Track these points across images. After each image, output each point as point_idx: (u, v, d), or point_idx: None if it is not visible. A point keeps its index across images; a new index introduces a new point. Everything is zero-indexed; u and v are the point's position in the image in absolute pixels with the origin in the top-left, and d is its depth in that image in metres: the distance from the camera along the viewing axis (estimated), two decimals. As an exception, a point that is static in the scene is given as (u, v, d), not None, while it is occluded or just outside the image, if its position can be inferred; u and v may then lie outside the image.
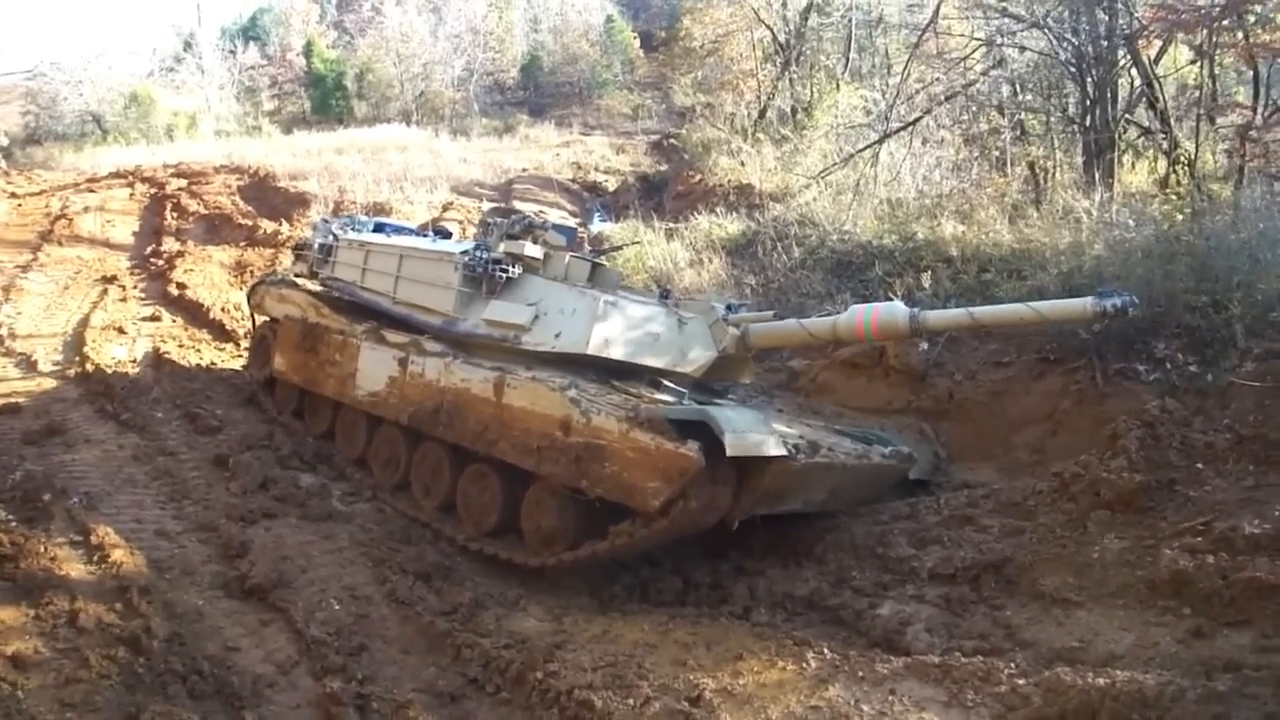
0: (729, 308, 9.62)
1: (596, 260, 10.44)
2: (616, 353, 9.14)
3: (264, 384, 13.04)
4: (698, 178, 24.51)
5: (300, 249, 13.62)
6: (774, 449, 7.39)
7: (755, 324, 9.46)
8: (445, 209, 24.51)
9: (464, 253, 10.15)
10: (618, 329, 9.16)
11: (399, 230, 12.69)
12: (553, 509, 8.56)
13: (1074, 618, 6.84)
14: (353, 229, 12.73)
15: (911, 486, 9.55)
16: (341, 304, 11.99)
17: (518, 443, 8.63)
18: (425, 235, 12.30)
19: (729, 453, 7.16)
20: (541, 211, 24.58)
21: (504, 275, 9.86)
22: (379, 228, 12.80)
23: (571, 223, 24.64)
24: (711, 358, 9.38)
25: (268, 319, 13.27)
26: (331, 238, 12.45)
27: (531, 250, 10.08)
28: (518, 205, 24.60)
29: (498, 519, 9.08)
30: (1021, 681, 5.74)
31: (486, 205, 22.49)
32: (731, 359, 9.60)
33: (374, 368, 10.60)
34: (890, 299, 12.03)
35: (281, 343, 12.40)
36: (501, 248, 10.18)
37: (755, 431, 7.42)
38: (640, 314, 9.31)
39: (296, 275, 13.35)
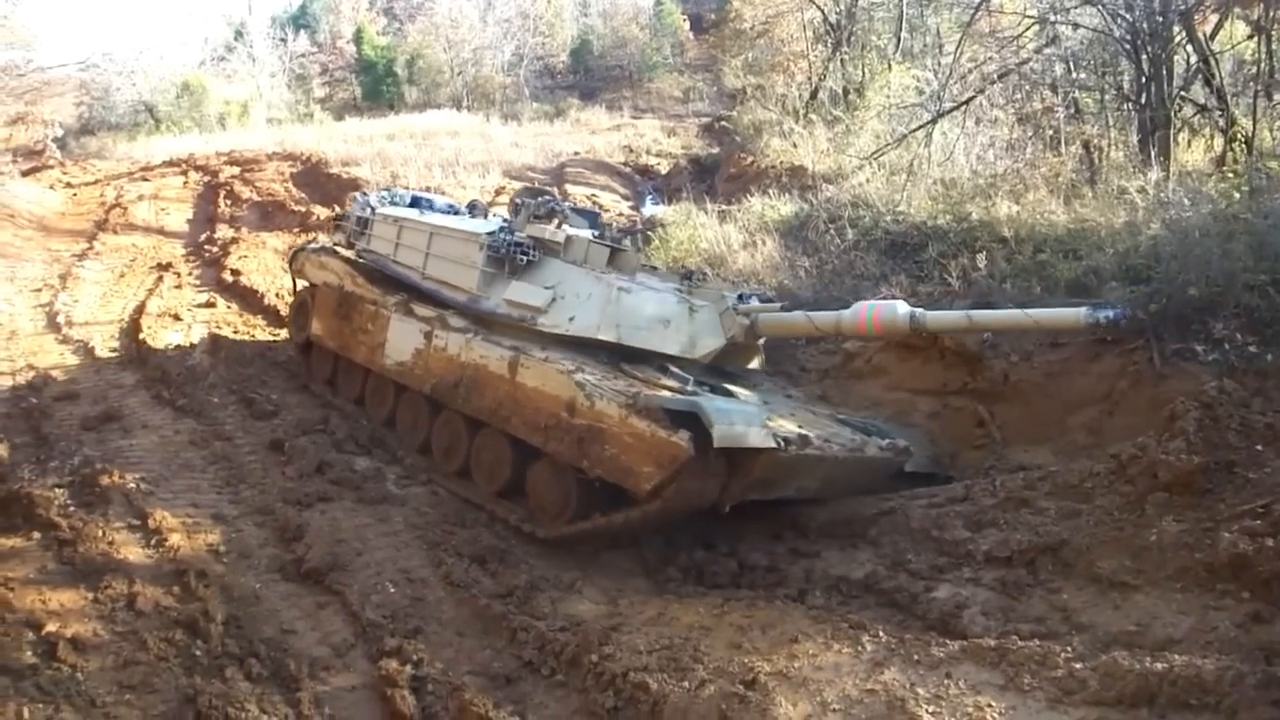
0: (740, 297, 9.81)
1: (617, 246, 10.57)
2: (626, 338, 9.39)
3: (302, 348, 13.40)
4: (749, 160, 24.33)
5: (340, 219, 14.08)
6: (761, 441, 7.62)
7: (764, 314, 9.64)
8: (497, 193, 24.52)
9: (489, 233, 10.38)
10: (629, 315, 9.40)
11: (434, 207, 12.88)
12: (558, 484, 8.86)
13: (1131, 601, 6.77)
14: (390, 203, 12.95)
15: (912, 479, 9.54)
16: (375, 275, 12.26)
17: (528, 420, 8.96)
18: (460, 212, 12.51)
19: (716, 444, 7.40)
20: (594, 195, 24.65)
21: (524, 257, 10.11)
22: (415, 202, 13.03)
23: (624, 205, 24.69)
24: (719, 345, 9.61)
25: (307, 284, 13.59)
26: (369, 211, 12.69)
27: (552, 233, 10.34)
28: (570, 189, 24.67)
29: (509, 478, 9.40)
30: (1078, 665, 5.69)
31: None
32: (740, 346, 9.84)
33: (402, 339, 10.90)
34: (947, 282, 11.99)
35: (319, 308, 12.73)
36: (526, 229, 10.45)
37: (744, 423, 7.64)
38: (653, 300, 9.55)
39: (335, 244, 13.73)
